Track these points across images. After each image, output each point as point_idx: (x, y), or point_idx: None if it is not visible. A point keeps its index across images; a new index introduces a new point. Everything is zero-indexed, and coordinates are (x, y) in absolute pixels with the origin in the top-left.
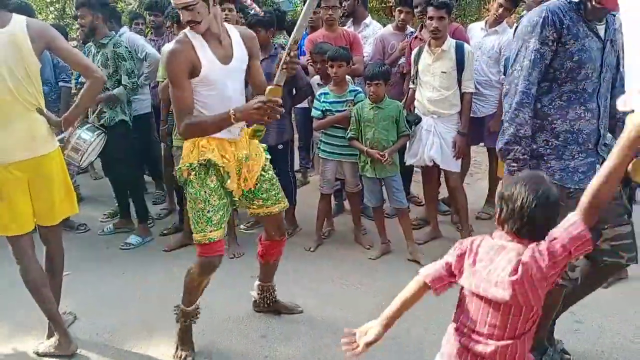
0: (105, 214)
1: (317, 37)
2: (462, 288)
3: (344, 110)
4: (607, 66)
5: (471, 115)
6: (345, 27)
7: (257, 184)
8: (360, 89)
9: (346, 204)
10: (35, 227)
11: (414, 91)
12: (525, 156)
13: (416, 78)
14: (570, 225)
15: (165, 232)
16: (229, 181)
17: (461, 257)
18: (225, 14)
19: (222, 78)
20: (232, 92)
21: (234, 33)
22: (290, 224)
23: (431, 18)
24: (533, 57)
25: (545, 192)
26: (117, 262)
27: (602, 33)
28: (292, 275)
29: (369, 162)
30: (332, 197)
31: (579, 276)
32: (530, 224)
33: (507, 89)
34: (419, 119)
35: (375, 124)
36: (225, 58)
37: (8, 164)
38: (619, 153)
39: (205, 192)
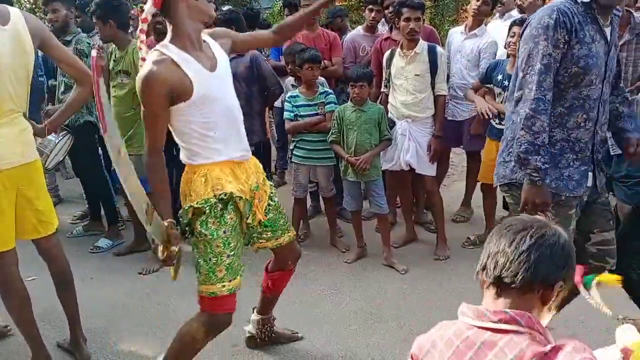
0: (75, 215)
1: (297, 36)
2: None
3: (315, 114)
4: (610, 71)
5: (450, 118)
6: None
7: (265, 214)
8: (330, 90)
9: (322, 205)
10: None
11: (387, 95)
12: (547, 165)
13: (389, 82)
14: None
15: None
16: (249, 214)
17: None
18: None
19: (217, 87)
20: (230, 101)
21: (205, 36)
22: None
23: (407, 19)
24: (546, 61)
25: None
26: (85, 265)
27: (607, 35)
28: None
29: (350, 166)
30: (309, 199)
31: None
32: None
33: (520, 95)
34: (392, 124)
35: (358, 127)
36: (212, 65)
37: (1, 170)
38: None
39: (224, 231)
